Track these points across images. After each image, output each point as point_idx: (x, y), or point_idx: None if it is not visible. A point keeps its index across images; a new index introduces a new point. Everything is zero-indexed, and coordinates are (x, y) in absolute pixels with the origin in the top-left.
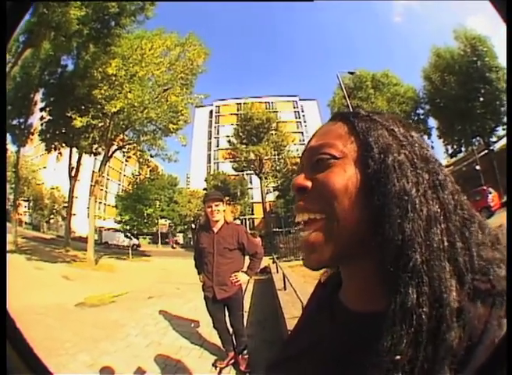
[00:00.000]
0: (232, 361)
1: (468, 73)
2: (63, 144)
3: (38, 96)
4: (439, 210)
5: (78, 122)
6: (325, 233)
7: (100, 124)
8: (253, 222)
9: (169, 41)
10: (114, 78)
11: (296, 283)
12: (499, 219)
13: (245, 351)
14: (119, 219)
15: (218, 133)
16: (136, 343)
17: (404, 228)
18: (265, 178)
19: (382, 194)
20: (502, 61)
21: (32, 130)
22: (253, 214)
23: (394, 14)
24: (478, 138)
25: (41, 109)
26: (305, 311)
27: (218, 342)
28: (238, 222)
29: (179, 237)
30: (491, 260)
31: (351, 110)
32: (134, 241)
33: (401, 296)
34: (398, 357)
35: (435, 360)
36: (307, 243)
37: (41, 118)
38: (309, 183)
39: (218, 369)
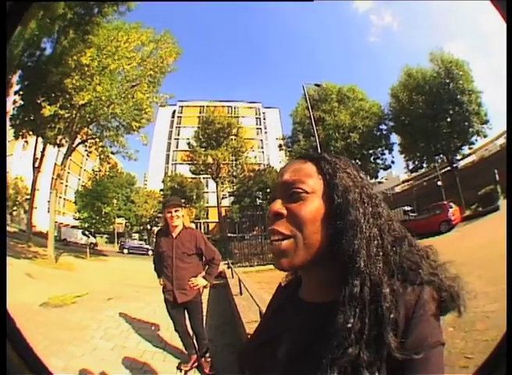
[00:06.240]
0: (196, 364)
1: (438, 94)
2: (30, 132)
3: (15, 78)
4: (377, 232)
5: (47, 110)
6: (294, 244)
7: (66, 115)
8: (207, 226)
9: (145, 36)
10: (86, 68)
11: (252, 289)
12: (459, 232)
13: (207, 354)
14: (77, 216)
15: (178, 135)
16: (101, 346)
17: (354, 244)
18: (222, 183)
19: (342, 221)
20: (477, 85)
21: None
22: (208, 218)
23: (371, 34)
24: (441, 156)
25: (15, 92)
26: (269, 308)
27: (180, 345)
28: (193, 225)
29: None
30: (418, 262)
31: (317, 152)
32: (92, 239)
33: (349, 287)
34: (349, 325)
35: (379, 327)
36: (278, 249)
37: (14, 102)
38: (284, 211)
39: (183, 372)
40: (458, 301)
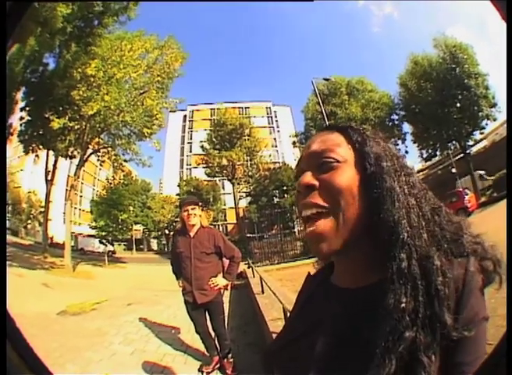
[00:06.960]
0: (218, 365)
1: (446, 80)
2: (40, 147)
3: (19, 95)
4: (414, 202)
5: (56, 123)
6: (333, 223)
7: (76, 126)
8: (226, 227)
9: (148, 43)
10: (92, 79)
11: (274, 287)
12: (476, 219)
13: (229, 355)
14: (94, 224)
15: (191, 139)
16: (120, 351)
17: (394, 214)
18: (238, 184)
19: (378, 189)
20: (483, 68)
21: (11, 131)
22: (226, 220)
23: (373, 25)
24: (453, 142)
25: (21, 109)
26: (297, 301)
27: (201, 348)
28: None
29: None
30: (459, 233)
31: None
32: (109, 247)
33: (396, 261)
34: (403, 305)
35: (433, 305)
36: (314, 233)
37: (21, 118)
38: (316, 182)
39: (204, 374)
40: (500, 270)
